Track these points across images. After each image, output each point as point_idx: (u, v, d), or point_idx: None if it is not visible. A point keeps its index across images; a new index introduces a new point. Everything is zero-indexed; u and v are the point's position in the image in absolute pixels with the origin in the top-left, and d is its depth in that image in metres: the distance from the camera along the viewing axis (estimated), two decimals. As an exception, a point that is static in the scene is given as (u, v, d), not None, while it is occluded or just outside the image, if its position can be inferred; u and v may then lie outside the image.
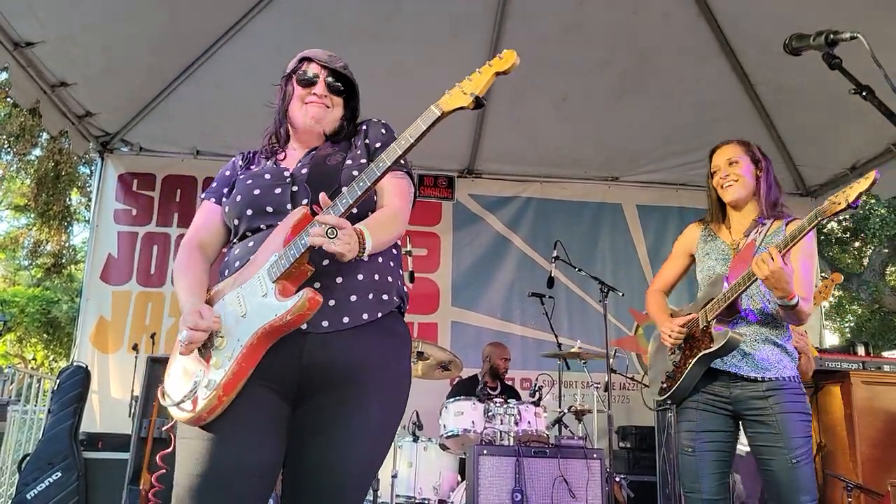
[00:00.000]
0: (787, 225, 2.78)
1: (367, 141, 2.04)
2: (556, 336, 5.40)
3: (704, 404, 2.74)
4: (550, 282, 5.05)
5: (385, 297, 1.89)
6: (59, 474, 4.43)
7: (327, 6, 5.00)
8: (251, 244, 1.89)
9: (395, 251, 2.00)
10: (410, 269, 4.88)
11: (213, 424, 1.72)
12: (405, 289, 2.01)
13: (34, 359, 17.84)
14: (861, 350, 4.91)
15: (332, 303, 1.79)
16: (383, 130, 2.08)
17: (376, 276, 1.88)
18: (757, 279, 2.52)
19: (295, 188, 1.93)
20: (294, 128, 2.09)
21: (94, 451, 4.70)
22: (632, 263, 6.71)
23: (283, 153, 2.09)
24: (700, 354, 2.69)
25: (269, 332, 1.70)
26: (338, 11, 4.98)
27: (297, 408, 1.82)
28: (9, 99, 10.32)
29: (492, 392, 5.31)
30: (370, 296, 1.85)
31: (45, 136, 12.34)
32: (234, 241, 1.98)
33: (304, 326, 1.73)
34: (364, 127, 2.10)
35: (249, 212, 1.92)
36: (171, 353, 1.89)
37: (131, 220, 6.22)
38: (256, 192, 1.94)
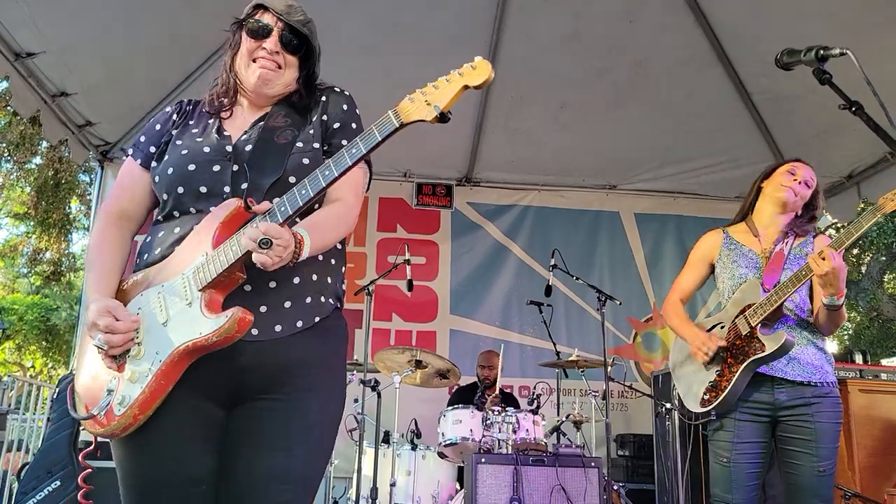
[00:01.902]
0: (814, 238, 2.86)
1: (324, 117, 1.81)
2: (554, 344, 5.41)
3: (745, 413, 2.70)
4: (548, 290, 5.06)
5: (322, 298, 1.71)
6: (58, 483, 4.42)
7: (326, 17, 4.98)
8: (177, 230, 1.67)
9: (339, 246, 1.80)
10: (409, 278, 4.90)
11: (144, 440, 1.59)
12: (344, 287, 1.84)
13: (33, 366, 17.84)
14: (859, 358, 4.92)
15: (263, 309, 1.61)
16: (344, 106, 1.84)
17: (314, 277, 1.70)
18: (807, 279, 2.56)
19: (236, 167, 1.70)
20: (241, 86, 1.84)
21: (94, 459, 4.70)
22: (630, 272, 6.72)
23: (230, 110, 1.85)
24: (751, 360, 2.65)
25: (192, 351, 1.53)
26: (337, 23, 5.00)
27: (231, 411, 1.65)
28: (9, 108, 10.34)
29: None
30: (307, 299, 1.68)
31: (44, 144, 12.37)
32: (160, 217, 1.74)
33: None
34: (324, 98, 1.85)
35: (181, 189, 1.69)
36: (80, 351, 1.70)
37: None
38: (191, 167, 1.69)
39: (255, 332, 1.59)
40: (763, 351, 2.63)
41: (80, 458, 2.65)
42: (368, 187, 1.89)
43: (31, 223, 15.25)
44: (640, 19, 5.07)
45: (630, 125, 6.01)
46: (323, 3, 4.91)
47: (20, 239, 16.62)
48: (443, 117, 1.46)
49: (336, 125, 1.80)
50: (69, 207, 14.56)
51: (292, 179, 1.66)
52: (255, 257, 1.46)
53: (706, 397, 2.76)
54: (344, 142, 1.75)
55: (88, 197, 13.77)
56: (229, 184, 1.68)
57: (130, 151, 1.85)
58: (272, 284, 1.63)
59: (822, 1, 4.49)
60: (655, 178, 6.66)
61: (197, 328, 1.51)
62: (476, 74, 1.45)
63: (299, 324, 1.65)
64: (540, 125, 6.11)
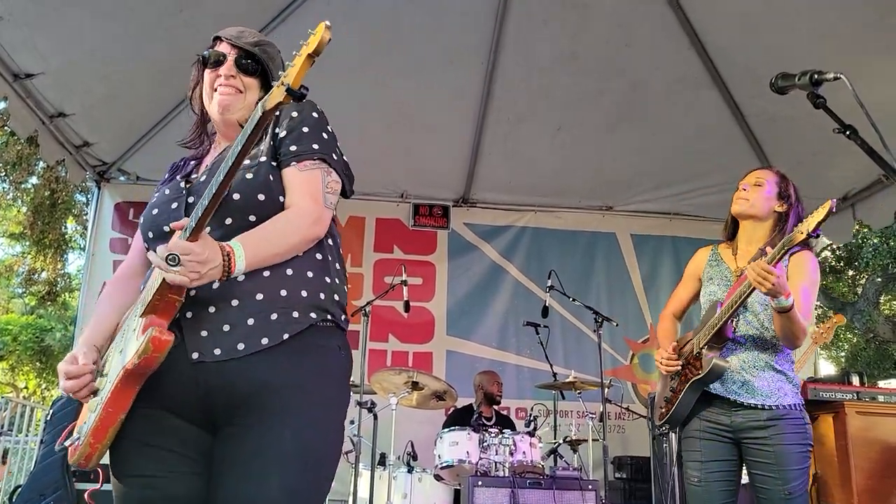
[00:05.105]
0: (790, 257, 2.76)
1: (276, 130, 1.77)
2: (551, 365, 5.39)
3: (707, 433, 2.74)
4: (545, 311, 5.06)
5: (296, 314, 1.62)
6: (51, 506, 4.38)
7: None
8: (150, 271, 1.69)
9: (318, 255, 1.72)
10: (406, 299, 4.90)
11: (127, 462, 1.64)
12: (335, 298, 1.72)
13: (26, 387, 17.71)
14: (855, 380, 4.90)
15: (226, 328, 1.57)
16: (294, 114, 1.78)
17: (283, 293, 1.62)
18: (740, 304, 2.59)
19: (191, 199, 1.71)
20: (212, 120, 1.88)
21: (87, 482, 4.65)
22: (626, 292, 6.72)
23: (209, 150, 1.91)
24: (691, 380, 2.74)
25: (128, 376, 1.52)
26: (335, 44, 4.95)
27: (216, 435, 1.62)
28: (6, 128, 10.36)
29: (487, 422, 5.29)
30: (273, 316, 1.60)
31: (41, 164, 12.37)
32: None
33: (195, 356, 1.55)
34: (279, 113, 1.76)
35: (150, 234, 1.76)
36: None
37: (127, 249, 6.17)
38: (154, 211, 1.77)
39: (217, 352, 1.56)
40: (699, 374, 2.70)
41: (85, 494, 2.64)
42: (349, 192, 1.82)
43: (27, 243, 15.21)
44: (636, 42, 5.12)
45: (626, 147, 6.04)
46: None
47: (15, 259, 16.57)
48: (292, 92, 1.40)
49: (283, 133, 1.75)
50: (65, 227, 14.52)
51: (236, 196, 1.63)
52: (166, 277, 1.43)
53: (662, 410, 2.92)
54: (292, 147, 1.73)
55: (85, 217, 13.74)
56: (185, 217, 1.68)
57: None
58: (234, 303, 1.59)
59: (814, 23, 4.54)
60: (651, 200, 6.68)
61: (128, 354, 1.53)
62: (313, 39, 1.43)
63: (264, 341, 1.57)
64: (537, 146, 6.14)
